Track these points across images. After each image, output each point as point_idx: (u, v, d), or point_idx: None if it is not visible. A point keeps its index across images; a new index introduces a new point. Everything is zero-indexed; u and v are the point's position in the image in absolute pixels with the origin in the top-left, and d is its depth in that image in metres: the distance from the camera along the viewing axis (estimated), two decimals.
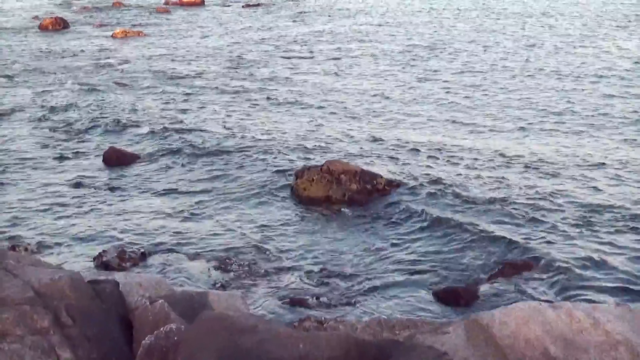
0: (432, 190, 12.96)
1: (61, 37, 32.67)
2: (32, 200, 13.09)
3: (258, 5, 44.05)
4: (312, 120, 17.96)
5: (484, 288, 9.70)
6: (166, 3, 44.76)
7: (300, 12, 39.87)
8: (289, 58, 26.35)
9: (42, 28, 35.21)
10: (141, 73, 24.22)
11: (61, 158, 15.54)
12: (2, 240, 11.22)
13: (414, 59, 25.28)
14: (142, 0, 47.35)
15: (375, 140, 16.26)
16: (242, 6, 43.84)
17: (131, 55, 27.76)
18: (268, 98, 20.37)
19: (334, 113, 18.63)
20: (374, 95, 20.42)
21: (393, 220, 11.88)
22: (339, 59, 25.90)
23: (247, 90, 21.43)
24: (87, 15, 40.71)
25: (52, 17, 36.61)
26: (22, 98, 21.03)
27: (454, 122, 17.55)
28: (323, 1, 44.77)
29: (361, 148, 15.70)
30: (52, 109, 19.54)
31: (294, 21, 36.54)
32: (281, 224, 11.97)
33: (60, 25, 35.60)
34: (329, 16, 38.14)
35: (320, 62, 25.47)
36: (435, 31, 31.45)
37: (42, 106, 19.92)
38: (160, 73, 24.13)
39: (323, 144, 15.97)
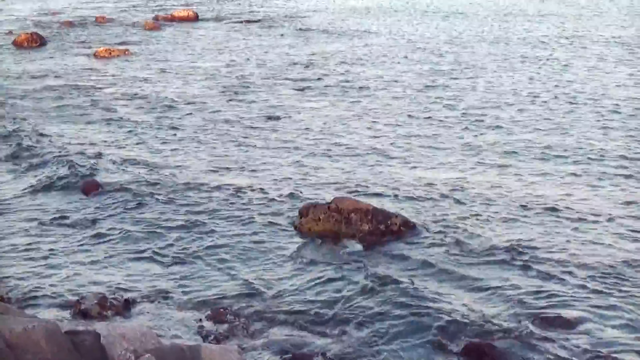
0: (451, 235, 12.92)
1: (37, 55, 32.78)
2: (0, 240, 13.02)
3: (257, 21, 44.25)
4: (317, 154, 17.94)
5: (510, 345, 9.62)
6: (156, 19, 44.97)
7: (304, 30, 40.04)
8: (291, 81, 26.39)
9: (17, 44, 35.35)
10: (124, 97, 24.23)
11: (32, 192, 15.50)
12: None
13: (430, 86, 25.30)
14: (129, 16, 47.57)
15: (388, 176, 16.26)
16: (240, 22, 44.04)
17: (115, 76, 27.83)
18: (267, 128, 20.35)
19: (342, 145, 18.62)
20: (387, 126, 20.41)
21: (408, 266, 11.81)
22: (347, 83, 25.94)
23: (243, 118, 21.43)
24: (67, 31, 40.86)
25: (27, 33, 36.76)
26: None
27: (475, 159, 17.51)
28: (328, 18, 44.98)
29: (373, 185, 15.69)
30: (20, 138, 19.40)
31: (297, 40, 36.68)
32: (282, 268, 11.90)
33: (36, 41, 35.73)
34: (335, 35, 38.29)
35: (327, 87, 25.50)
36: (455, 54, 31.53)
37: (7, 135, 19.79)
38: (147, 98, 24.16)
39: (330, 180, 15.96)
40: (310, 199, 14.52)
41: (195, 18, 45.60)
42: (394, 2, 51.07)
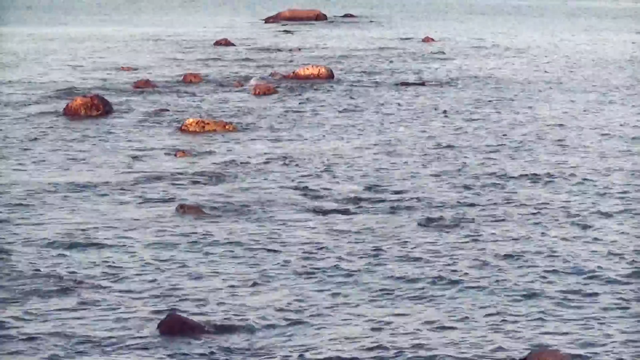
0: None
1: (97, 130, 33.30)
2: None
3: (421, 84, 44.63)
4: (505, 293, 17.67)
5: None
6: (272, 76, 45.74)
7: (488, 96, 40.20)
8: (462, 185, 26.28)
9: (70, 112, 36.04)
10: (218, 196, 24.13)
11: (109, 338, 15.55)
12: None
13: None
14: (232, 73, 48.42)
15: (599, 315, 16.18)
16: (396, 84, 44.46)
17: (213, 165, 27.80)
18: (435, 242, 20.20)
19: (536, 272, 18.44)
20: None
21: None
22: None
23: (395, 227, 21.15)
24: (142, 93, 41.76)
25: (85, 96, 37.55)
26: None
27: None
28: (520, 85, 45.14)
29: (581, 331, 15.68)
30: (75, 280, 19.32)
31: (478, 112, 36.81)
32: None
33: (98, 108, 36.46)
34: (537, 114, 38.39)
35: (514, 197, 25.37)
36: None
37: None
38: (249, 201, 23.77)
39: (525, 329, 15.88)
40: (499, 349, 14.71)
41: (331, 76, 46.17)
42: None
